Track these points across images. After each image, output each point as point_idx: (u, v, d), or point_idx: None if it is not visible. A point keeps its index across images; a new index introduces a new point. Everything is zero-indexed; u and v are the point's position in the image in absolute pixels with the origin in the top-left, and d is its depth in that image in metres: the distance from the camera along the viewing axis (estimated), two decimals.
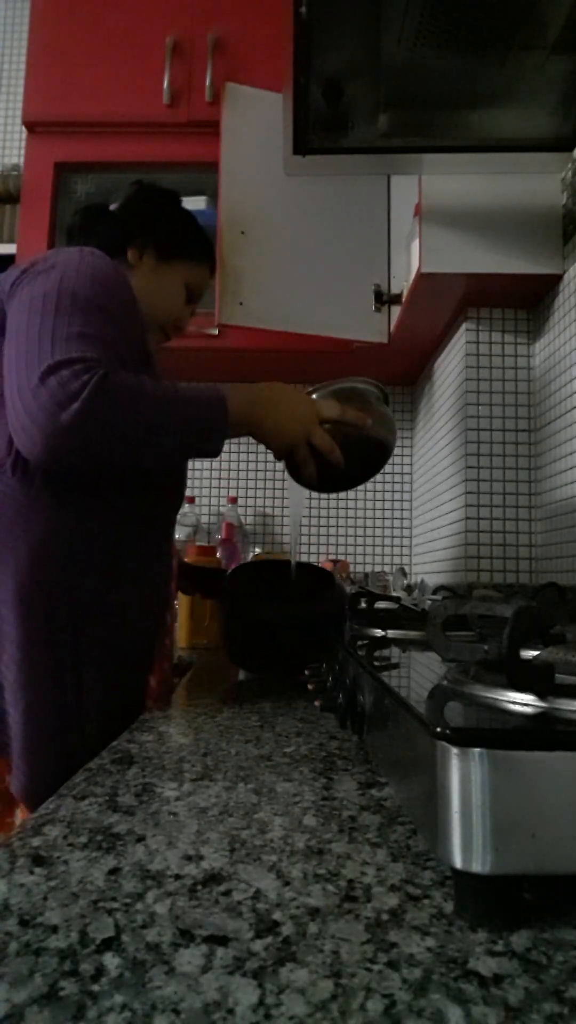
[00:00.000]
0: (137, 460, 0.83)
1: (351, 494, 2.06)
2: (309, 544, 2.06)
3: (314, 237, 1.58)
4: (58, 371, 0.73)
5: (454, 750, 0.28)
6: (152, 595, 0.92)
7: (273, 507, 2.07)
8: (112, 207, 1.07)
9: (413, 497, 2.03)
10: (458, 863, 0.27)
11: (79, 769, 0.78)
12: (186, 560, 1.26)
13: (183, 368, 1.96)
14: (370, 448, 0.95)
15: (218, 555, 1.74)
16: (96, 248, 1.00)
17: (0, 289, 0.85)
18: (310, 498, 2.06)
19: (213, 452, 0.86)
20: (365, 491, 2.06)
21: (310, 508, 2.07)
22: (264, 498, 2.07)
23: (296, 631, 0.89)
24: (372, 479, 1.02)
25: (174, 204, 1.09)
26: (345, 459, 0.91)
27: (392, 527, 2.05)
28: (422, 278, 1.31)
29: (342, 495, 2.06)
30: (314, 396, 0.95)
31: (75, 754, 0.79)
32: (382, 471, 2.03)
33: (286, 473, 0.96)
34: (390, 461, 2.10)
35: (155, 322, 1.04)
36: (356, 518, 2.06)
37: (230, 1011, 0.22)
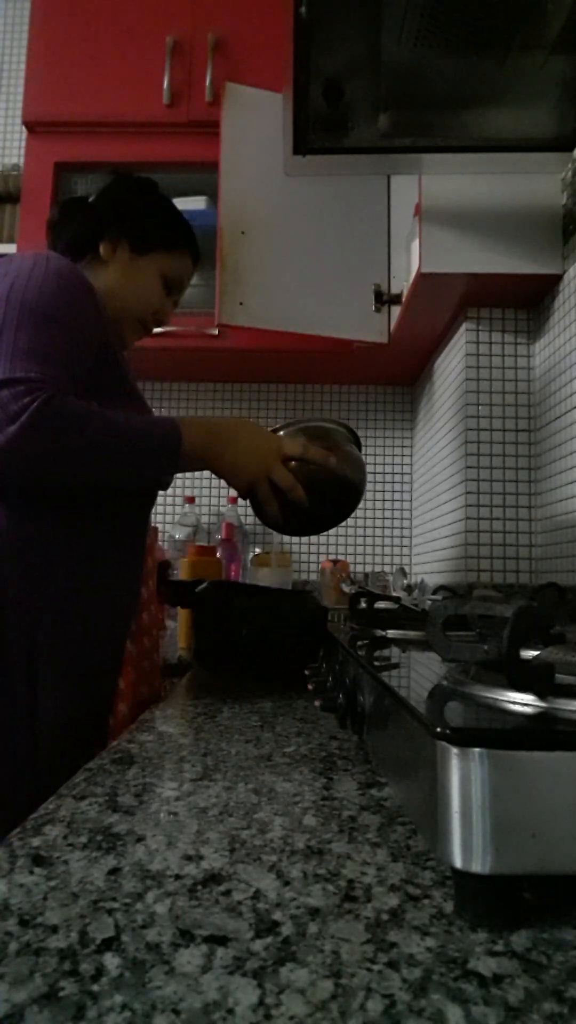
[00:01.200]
0: (81, 484, 0.81)
1: None
2: (309, 544, 2.06)
3: (314, 237, 1.58)
4: (0, 391, 0.72)
5: (454, 750, 0.28)
6: (120, 602, 0.90)
7: None
8: (90, 200, 1.04)
9: (413, 497, 2.03)
10: (458, 863, 0.27)
11: (30, 777, 0.78)
12: (169, 567, 1.26)
13: (183, 368, 1.96)
14: (337, 488, 0.91)
15: (218, 555, 1.74)
16: (70, 242, 0.98)
17: None
18: None
19: (163, 485, 0.84)
20: (365, 491, 2.06)
21: None
22: None
23: (268, 635, 0.87)
24: (343, 520, 0.97)
25: (149, 193, 1.05)
26: (310, 499, 0.87)
27: (392, 527, 2.05)
28: (422, 278, 1.31)
29: None
30: (280, 433, 0.93)
31: (26, 762, 0.78)
32: (382, 471, 2.04)
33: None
34: (390, 461, 2.10)
35: (132, 316, 1.01)
36: (356, 518, 2.06)
37: (230, 1011, 0.22)
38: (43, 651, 0.80)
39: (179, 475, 2.08)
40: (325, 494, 0.90)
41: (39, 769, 0.79)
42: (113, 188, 1.04)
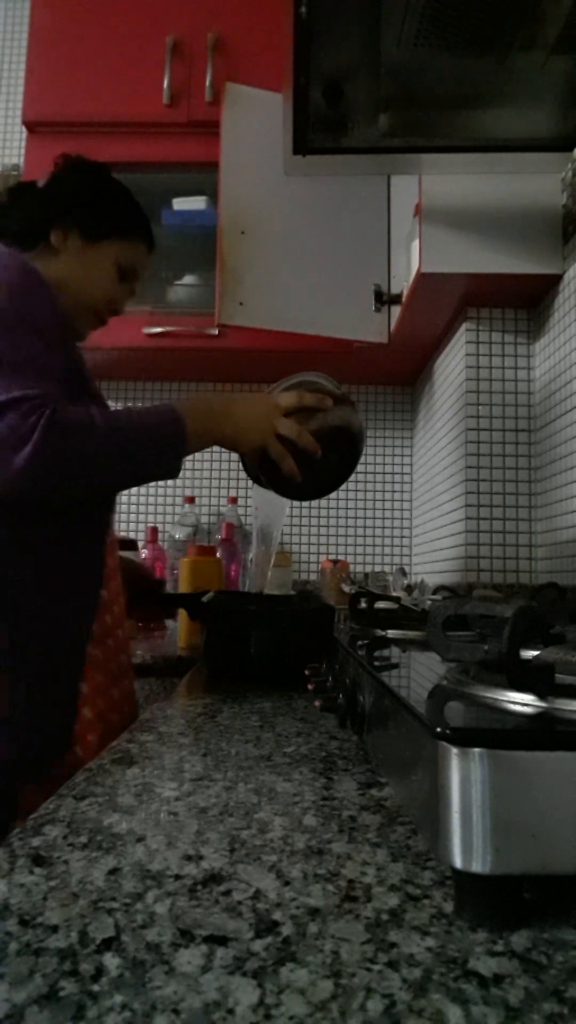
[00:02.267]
0: (97, 490, 0.82)
1: (351, 494, 2.05)
2: (309, 543, 2.06)
3: (314, 237, 1.58)
4: (5, 414, 0.73)
5: (454, 750, 0.28)
6: (76, 605, 0.88)
7: None
8: (40, 184, 1.01)
9: (413, 497, 2.03)
10: (458, 863, 0.27)
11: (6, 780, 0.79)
12: (162, 585, 1.27)
13: (183, 368, 1.96)
14: (341, 434, 0.93)
15: (218, 555, 1.74)
16: (20, 231, 0.95)
17: None
18: (309, 504, 2.06)
19: (174, 472, 0.84)
20: (365, 491, 2.06)
21: (311, 507, 2.06)
22: None
23: (271, 633, 0.88)
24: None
25: (102, 178, 1.02)
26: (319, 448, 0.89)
27: (392, 527, 2.05)
28: (422, 278, 1.31)
29: (342, 494, 2.06)
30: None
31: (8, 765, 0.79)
32: (382, 471, 2.04)
33: (254, 492, 0.95)
34: (390, 461, 2.10)
35: (86, 306, 0.98)
36: (356, 518, 2.06)
37: (230, 1011, 0.22)
38: (18, 650, 0.81)
39: (180, 474, 2.07)
40: (331, 442, 0.91)
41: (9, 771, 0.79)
42: (63, 173, 1.01)
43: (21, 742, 0.80)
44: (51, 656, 0.84)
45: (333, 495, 2.05)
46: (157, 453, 0.82)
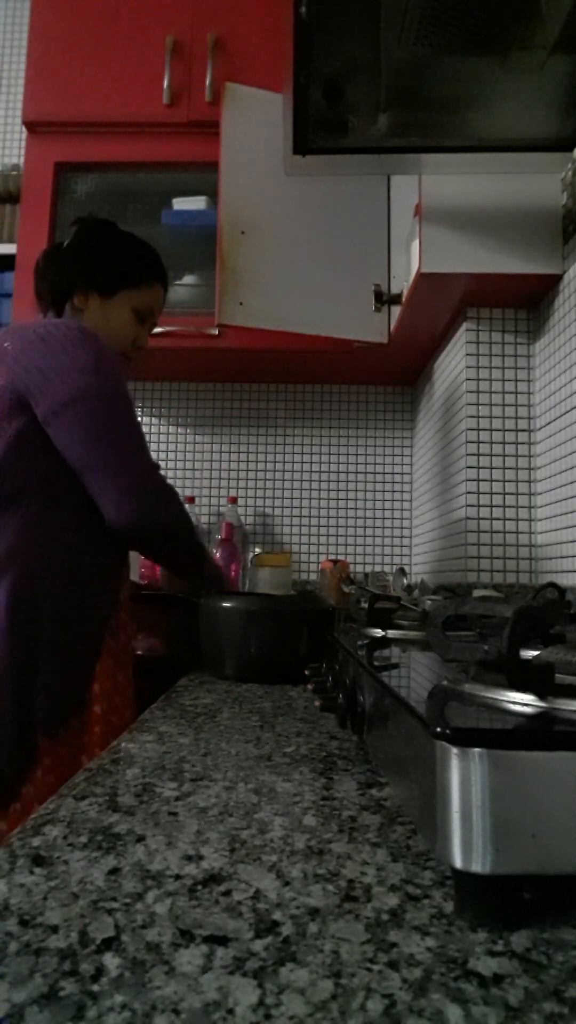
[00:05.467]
0: (161, 552, 1.06)
1: (351, 494, 2.06)
2: (309, 544, 2.06)
3: (314, 237, 1.58)
4: (158, 473, 1.00)
5: (454, 750, 0.28)
6: (105, 598, 1.04)
7: (273, 507, 2.07)
8: (65, 244, 1.13)
9: (413, 497, 2.03)
10: (458, 863, 0.27)
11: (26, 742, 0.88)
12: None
13: (183, 368, 1.96)
14: None
15: (218, 555, 1.74)
16: (52, 294, 1.10)
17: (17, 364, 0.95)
18: (309, 498, 2.06)
19: (182, 576, 1.13)
20: (365, 491, 2.06)
21: (311, 507, 2.06)
22: (264, 498, 2.07)
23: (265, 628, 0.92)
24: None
25: (109, 236, 1.12)
26: None
27: (392, 527, 2.05)
28: (422, 278, 1.31)
29: (342, 494, 2.06)
30: None
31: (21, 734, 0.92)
32: (382, 471, 2.04)
33: None
34: (390, 461, 2.09)
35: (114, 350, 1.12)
36: (356, 518, 2.06)
37: (230, 1011, 0.22)
38: (42, 636, 0.94)
39: (180, 474, 2.08)
40: None
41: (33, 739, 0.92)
42: (78, 237, 1.12)
43: (47, 702, 0.93)
44: (76, 640, 0.98)
45: (334, 495, 2.06)
46: (188, 558, 1.08)
